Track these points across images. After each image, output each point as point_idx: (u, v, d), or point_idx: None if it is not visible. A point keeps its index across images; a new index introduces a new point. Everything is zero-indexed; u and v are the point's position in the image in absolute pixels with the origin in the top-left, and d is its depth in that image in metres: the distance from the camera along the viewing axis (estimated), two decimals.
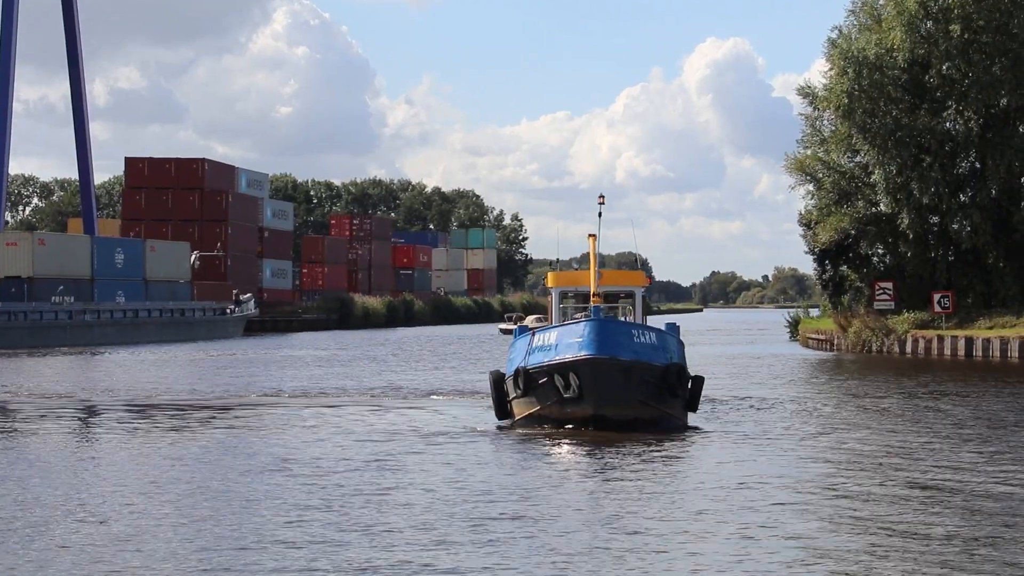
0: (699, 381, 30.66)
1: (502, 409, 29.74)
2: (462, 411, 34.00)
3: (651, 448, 25.48)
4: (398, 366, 56.70)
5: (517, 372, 28.78)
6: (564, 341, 27.85)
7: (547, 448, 25.90)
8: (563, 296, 32.45)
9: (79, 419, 33.41)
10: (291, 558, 15.51)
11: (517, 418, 29.37)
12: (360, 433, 28.58)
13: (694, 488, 20.92)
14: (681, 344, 29.98)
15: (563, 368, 27.56)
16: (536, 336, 28.80)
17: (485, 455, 24.79)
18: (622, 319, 31.91)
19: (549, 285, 32.87)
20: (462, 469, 22.71)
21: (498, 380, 29.88)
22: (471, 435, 27.99)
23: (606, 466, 23.13)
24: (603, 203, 32.06)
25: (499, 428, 29.25)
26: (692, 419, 30.47)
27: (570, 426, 28.12)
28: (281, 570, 14.94)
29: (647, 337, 28.22)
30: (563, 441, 26.68)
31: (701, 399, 31.06)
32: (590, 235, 33.08)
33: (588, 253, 32.93)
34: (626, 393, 27.57)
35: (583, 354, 27.28)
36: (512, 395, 29.26)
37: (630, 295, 33.01)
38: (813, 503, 19.57)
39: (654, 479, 21.83)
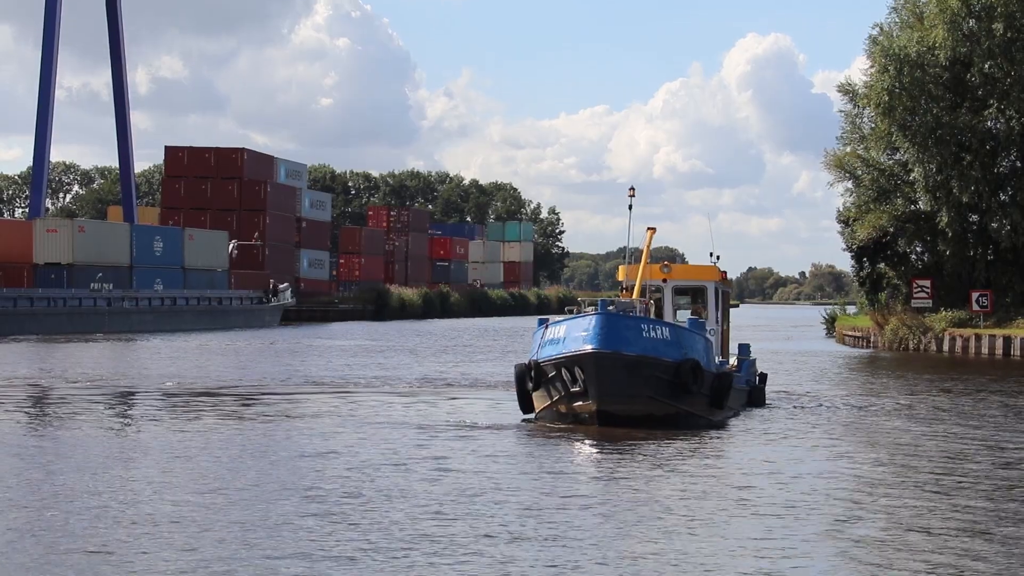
0: (763, 377, 34.52)
1: (525, 402, 29.41)
2: (490, 403, 33.88)
3: (665, 446, 25.11)
4: (432, 357, 56.84)
5: (529, 365, 28.65)
6: (571, 335, 27.46)
7: (558, 445, 25.46)
8: (633, 290, 32.23)
9: (115, 404, 33.70)
10: (293, 553, 15.62)
11: (538, 411, 29.12)
12: (381, 424, 28.38)
13: (712, 487, 20.89)
14: (707, 340, 29.22)
15: (569, 362, 27.22)
16: (549, 329, 28.46)
17: (502, 449, 24.47)
18: (697, 315, 31.84)
19: (620, 278, 32.72)
20: (478, 463, 22.46)
21: (521, 373, 29.41)
22: (492, 429, 27.65)
23: (619, 464, 22.81)
24: (633, 195, 31.75)
25: (523, 421, 29.05)
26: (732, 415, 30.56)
27: (575, 422, 27.72)
28: (280, 557, 15.03)
29: (659, 332, 27.50)
30: (575, 438, 26.21)
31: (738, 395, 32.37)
32: (649, 228, 33.18)
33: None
34: (631, 389, 27.03)
35: (587, 348, 26.87)
36: (530, 388, 29.05)
37: (701, 290, 32.78)
38: (847, 499, 19.58)
39: (669, 478, 21.68)
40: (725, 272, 33.68)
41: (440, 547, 15.59)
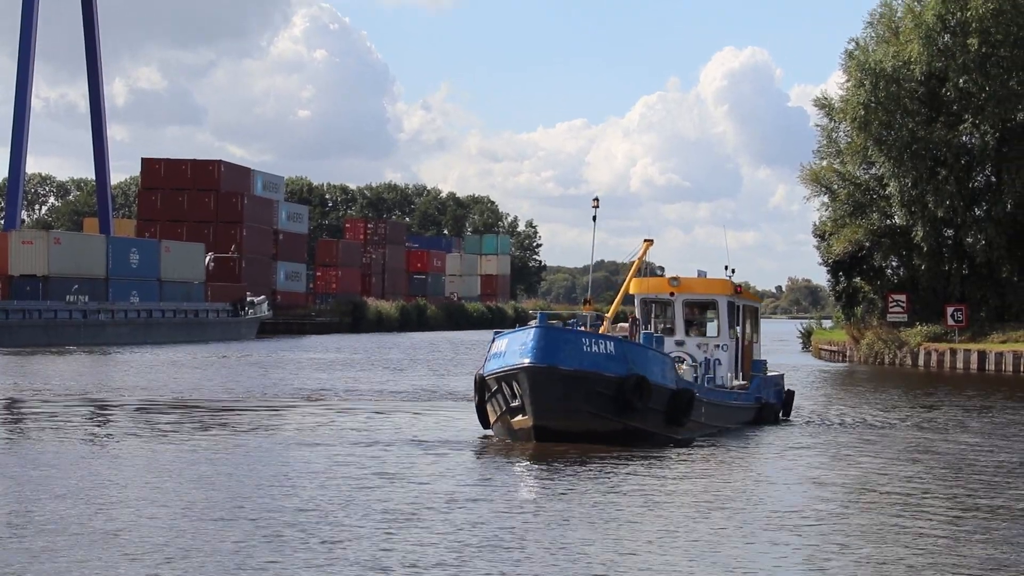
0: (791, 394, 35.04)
1: (484, 417, 28.59)
2: (453, 418, 33.22)
3: (604, 464, 24.36)
4: (406, 370, 56.72)
5: (475, 380, 28.30)
6: (511, 348, 26.84)
7: (503, 462, 24.80)
8: (644, 303, 32.00)
9: (86, 418, 33.50)
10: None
11: (492, 425, 28.37)
12: (341, 440, 27.80)
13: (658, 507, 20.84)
14: (662, 356, 28.00)
15: (508, 377, 26.63)
16: (495, 342, 27.86)
17: (452, 466, 23.86)
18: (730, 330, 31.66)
19: (632, 292, 32.24)
20: (424, 480, 21.84)
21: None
22: (447, 444, 27.11)
23: (555, 482, 21.99)
24: (597, 206, 31.11)
25: (482, 436, 28.34)
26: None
27: (515, 438, 26.99)
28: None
29: (601, 347, 26.61)
30: (518, 455, 25.52)
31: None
32: (645, 240, 32.97)
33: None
34: (568, 404, 26.14)
35: (523, 362, 26.22)
36: (476, 403, 28.61)
37: (712, 303, 32.03)
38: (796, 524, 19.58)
39: (616, 498, 21.62)
40: (740, 286, 32.66)
41: (384, 565, 15.44)
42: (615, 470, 23.52)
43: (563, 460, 24.56)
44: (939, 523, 18.71)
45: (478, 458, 25.48)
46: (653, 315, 32.36)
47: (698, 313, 32.44)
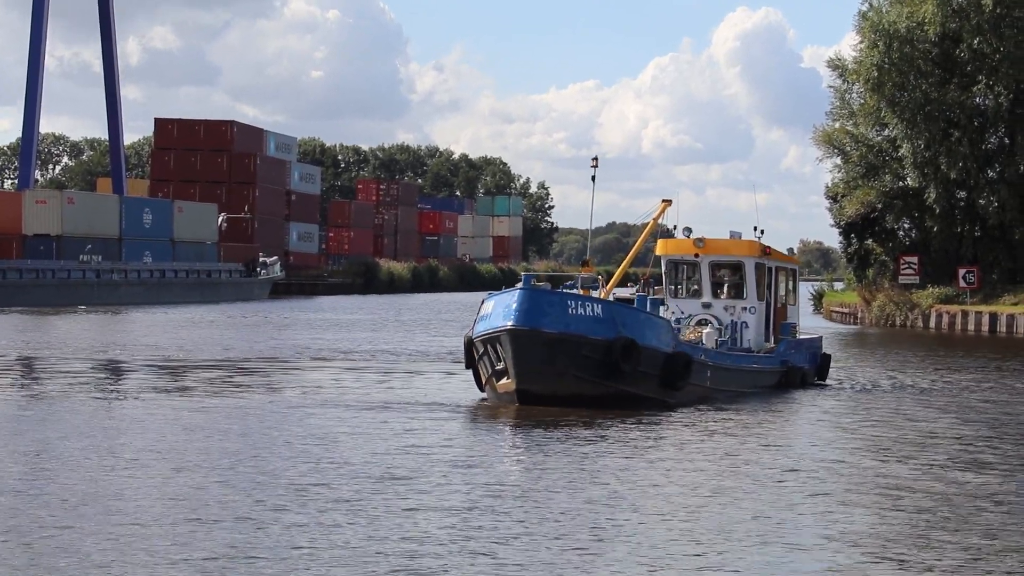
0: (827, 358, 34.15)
1: (479, 380, 28.22)
2: (453, 379, 33.00)
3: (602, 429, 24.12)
4: (415, 331, 56.84)
5: (464, 342, 28.15)
6: (496, 311, 26.56)
7: (486, 427, 24.45)
8: (671, 264, 31.66)
9: (98, 377, 33.69)
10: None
11: (486, 389, 28.06)
12: (338, 399, 27.72)
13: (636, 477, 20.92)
14: (654, 318, 27.47)
15: (492, 339, 26.39)
16: (483, 304, 27.55)
17: (441, 430, 23.46)
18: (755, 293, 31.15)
19: (658, 253, 31.85)
20: (406, 446, 21.21)
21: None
22: (443, 407, 26.74)
23: (534, 449, 21.40)
24: (596, 166, 30.68)
25: (482, 400, 27.88)
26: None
27: (501, 402, 26.68)
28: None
29: (588, 309, 26.24)
30: (509, 420, 25.10)
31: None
32: (663, 200, 32.52)
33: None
34: (552, 367, 25.75)
35: (506, 324, 25.97)
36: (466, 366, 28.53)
37: (739, 265, 31.44)
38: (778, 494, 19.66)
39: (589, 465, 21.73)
40: (769, 247, 31.86)
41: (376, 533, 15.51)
42: (603, 434, 23.06)
43: (548, 424, 23.93)
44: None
45: (469, 422, 25.06)
46: (685, 277, 31.94)
47: (728, 275, 31.81)
